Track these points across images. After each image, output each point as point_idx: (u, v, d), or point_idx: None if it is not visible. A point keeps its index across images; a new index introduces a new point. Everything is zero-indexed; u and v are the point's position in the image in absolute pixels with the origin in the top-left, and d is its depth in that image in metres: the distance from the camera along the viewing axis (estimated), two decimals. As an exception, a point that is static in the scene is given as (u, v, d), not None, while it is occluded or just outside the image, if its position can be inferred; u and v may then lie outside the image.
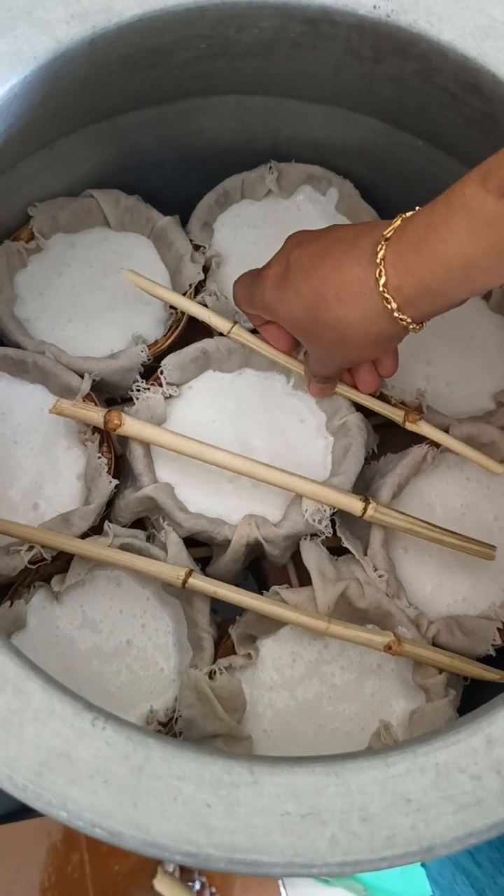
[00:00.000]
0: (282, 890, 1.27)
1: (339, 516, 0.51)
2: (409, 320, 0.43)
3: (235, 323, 0.52)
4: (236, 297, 0.52)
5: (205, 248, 0.58)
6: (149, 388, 0.52)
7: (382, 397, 0.54)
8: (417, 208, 0.42)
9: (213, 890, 1.18)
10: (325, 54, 0.45)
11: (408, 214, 0.42)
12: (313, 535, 0.51)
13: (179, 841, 0.30)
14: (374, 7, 0.40)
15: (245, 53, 0.45)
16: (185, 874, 1.19)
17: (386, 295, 0.42)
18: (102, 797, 0.30)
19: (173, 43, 0.42)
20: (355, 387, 0.52)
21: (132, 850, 0.30)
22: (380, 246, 0.42)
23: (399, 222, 0.42)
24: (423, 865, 0.67)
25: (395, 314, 0.42)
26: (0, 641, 0.32)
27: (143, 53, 0.42)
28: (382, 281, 0.42)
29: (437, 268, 0.40)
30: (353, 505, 0.48)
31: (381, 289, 0.42)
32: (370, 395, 0.52)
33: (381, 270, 0.42)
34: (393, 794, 0.31)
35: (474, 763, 0.32)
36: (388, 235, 0.42)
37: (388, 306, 0.42)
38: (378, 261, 0.42)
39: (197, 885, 1.17)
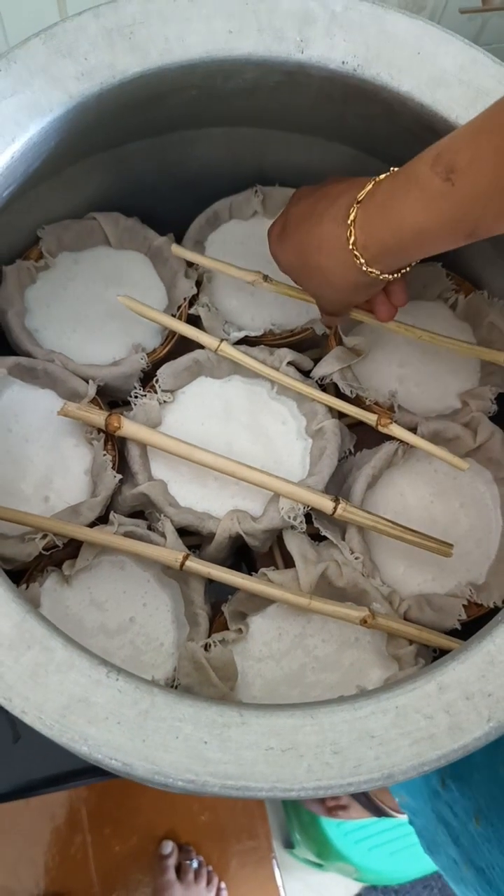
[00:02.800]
0: (276, 873, 1.33)
1: (315, 510, 0.57)
2: (377, 272, 0.49)
3: (223, 340, 0.58)
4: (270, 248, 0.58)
5: (197, 265, 0.64)
6: (146, 395, 0.58)
7: (357, 399, 0.60)
8: (389, 171, 0.48)
9: (210, 868, 1.24)
10: (301, 97, 0.51)
11: (380, 177, 0.48)
12: (292, 527, 0.57)
13: (181, 770, 0.36)
14: (343, 63, 0.46)
15: (231, 96, 0.51)
16: (183, 854, 1.24)
17: (355, 252, 0.49)
18: (116, 734, 0.36)
19: (168, 92, 0.48)
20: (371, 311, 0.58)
21: (142, 779, 0.36)
22: (352, 209, 0.48)
23: (370, 186, 0.48)
24: (411, 823, 0.73)
25: (364, 268, 0.49)
26: (28, 608, 0.38)
27: (142, 101, 0.48)
28: (352, 240, 0.48)
29: (395, 232, 0.46)
30: (325, 504, 0.54)
31: (350, 246, 0.49)
32: (387, 319, 0.57)
33: (351, 230, 0.48)
34: (360, 731, 0.37)
35: (427, 705, 0.38)
36: (361, 199, 0.48)
37: (358, 261, 0.49)
38: (349, 222, 0.48)
39: (195, 864, 1.22)
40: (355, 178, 0.50)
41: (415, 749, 0.37)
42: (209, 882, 1.16)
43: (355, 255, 0.48)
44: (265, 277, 0.59)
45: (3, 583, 0.38)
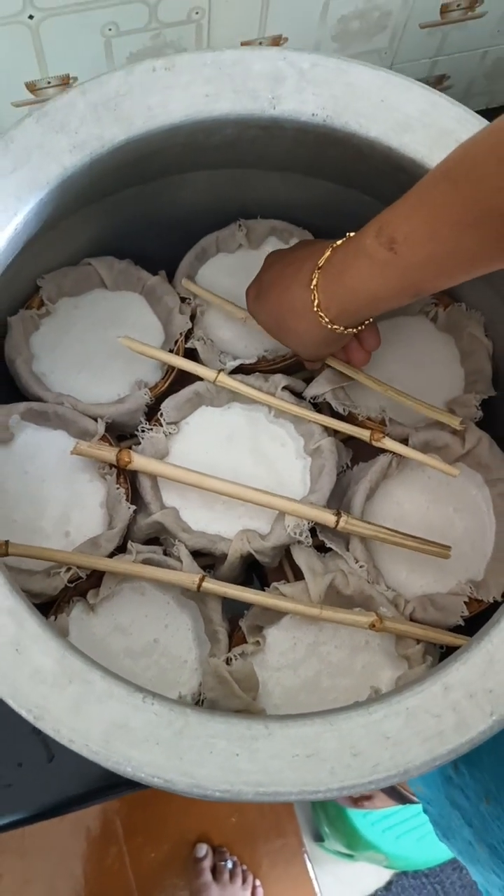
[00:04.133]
0: (308, 867, 1.37)
1: (320, 525, 0.61)
2: (341, 329, 0.55)
3: (220, 371, 0.62)
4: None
5: (190, 299, 0.68)
6: (152, 429, 0.62)
7: (350, 416, 0.64)
8: (345, 237, 0.53)
9: (245, 867, 1.28)
10: (277, 146, 0.55)
11: (337, 243, 0.53)
12: (299, 541, 0.60)
13: (217, 782, 0.39)
14: (313, 115, 0.50)
15: (213, 148, 0.55)
16: (217, 855, 1.28)
17: (320, 313, 0.54)
18: (156, 754, 0.40)
19: (154, 152, 0.52)
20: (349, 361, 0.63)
21: (183, 792, 0.39)
22: (314, 274, 0.54)
23: (329, 252, 0.53)
24: (425, 812, 0.77)
25: (329, 326, 0.54)
26: (65, 644, 0.42)
27: (131, 162, 0.51)
28: (316, 302, 0.54)
29: (350, 296, 0.52)
30: (328, 519, 0.58)
31: (315, 308, 0.54)
32: (361, 364, 0.62)
33: (314, 294, 0.54)
34: (375, 733, 0.41)
35: (435, 705, 0.42)
36: (321, 264, 0.53)
37: (323, 320, 0.54)
38: (312, 287, 0.54)
39: (229, 864, 1.26)
40: (318, 243, 0.55)
41: (426, 746, 0.41)
42: (244, 881, 1.20)
43: (320, 316, 0.54)
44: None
45: (42, 624, 0.42)
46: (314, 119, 0.50)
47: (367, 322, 0.55)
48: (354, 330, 0.55)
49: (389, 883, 1.49)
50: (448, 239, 0.43)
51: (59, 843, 1.26)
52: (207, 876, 1.20)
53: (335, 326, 0.54)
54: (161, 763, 0.39)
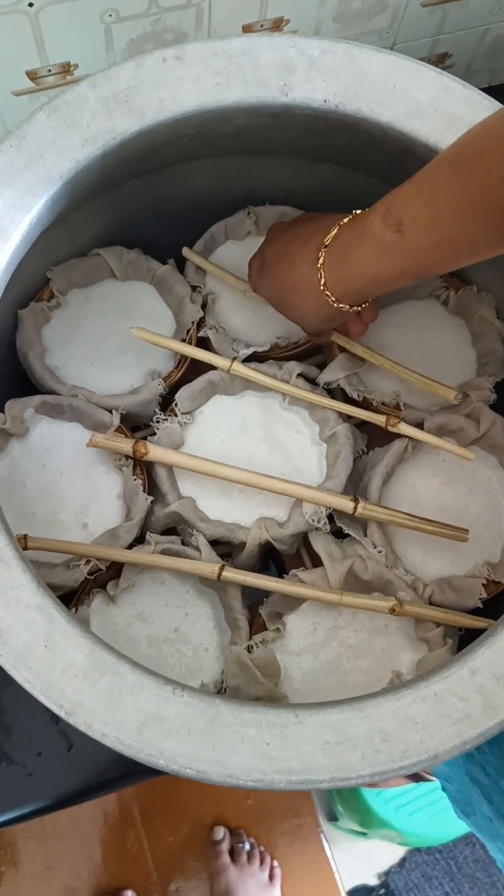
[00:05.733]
0: (325, 846, 1.38)
1: (337, 511, 0.61)
2: (346, 307, 0.55)
3: (234, 359, 0.62)
4: (249, 275, 0.65)
5: (200, 287, 0.68)
6: (167, 419, 0.62)
7: (365, 401, 0.64)
8: (352, 214, 0.53)
9: (262, 848, 1.30)
10: (287, 133, 0.55)
11: (343, 221, 0.53)
12: (317, 528, 0.61)
13: (249, 770, 0.40)
14: (325, 101, 0.50)
15: (222, 137, 0.54)
16: (235, 837, 1.30)
17: (326, 292, 0.54)
18: (188, 744, 0.40)
19: (164, 143, 0.51)
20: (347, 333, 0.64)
21: (216, 782, 0.40)
22: (321, 252, 0.54)
23: (336, 230, 0.53)
24: (444, 789, 0.78)
25: (335, 304, 0.55)
26: (94, 638, 0.42)
27: (141, 153, 0.51)
28: (322, 281, 0.54)
29: (355, 277, 0.52)
30: (345, 505, 0.58)
31: (321, 287, 0.54)
32: (359, 334, 0.63)
33: (321, 273, 0.54)
34: (404, 718, 0.41)
35: (462, 688, 0.42)
36: (327, 243, 0.53)
37: (329, 299, 0.54)
38: (319, 265, 0.54)
39: (247, 846, 1.28)
40: (323, 218, 0.55)
41: (455, 729, 0.41)
42: (262, 862, 1.21)
43: (326, 295, 0.54)
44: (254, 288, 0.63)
45: (70, 619, 0.42)
46: (325, 105, 0.50)
47: (362, 304, 0.56)
48: (359, 308, 0.55)
49: (403, 860, 1.50)
50: (451, 225, 0.44)
51: (78, 828, 1.28)
52: (225, 858, 1.21)
53: (341, 305, 0.54)
54: (194, 753, 0.40)
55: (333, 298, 0.54)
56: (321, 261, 0.53)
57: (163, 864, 1.28)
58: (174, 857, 1.29)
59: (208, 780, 0.40)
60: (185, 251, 0.67)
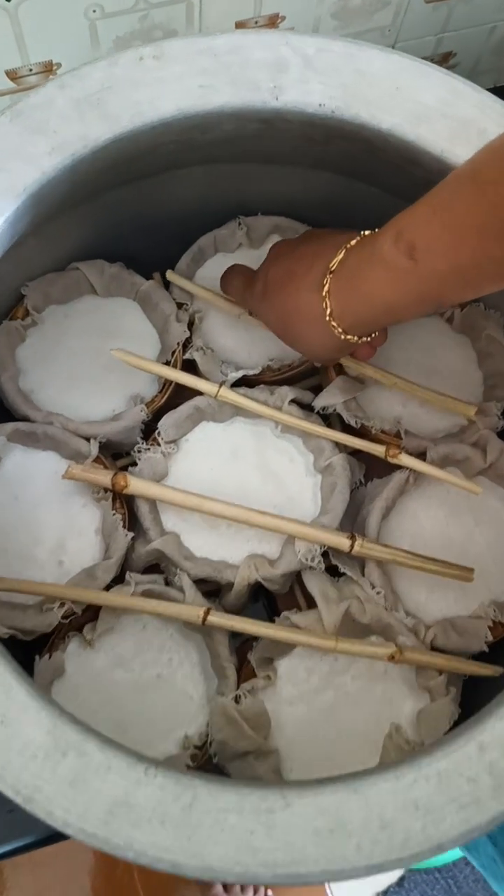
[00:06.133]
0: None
1: (333, 548, 0.57)
2: (355, 338, 0.50)
3: (221, 384, 0.57)
4: (227, 290, 0.60)
5: (187, 305, 0.63)
6: (149, 448, 0.58)
7: (363, 428, 0.60)
8: (359, 236, 0.48)
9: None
10: (280, 140, 0.50)
11: (351, 243, 0.48)
12: (311, 567, 0.56)
13: (230, 864, 0.35)
14: (320, 105, 0.45)
15: (208, 145, 0.50)
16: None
17: (332, 322, 0.49)
18: (161, 835, 0.35)
19: (144, 151, 0.47)
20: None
21: (191, 876, 0.35)
22: (326, 279, 0.49)
23: (342, 255, 0.48)
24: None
25: (342, 336, 0.50)
26: (58, 711, 0.38)
27: (118, 162, 0.47)
28: (328, 311, 0.49)
29: (365, 306, 0.47)
30: (342, 543, 0.54)
31: (327, 317, 0.49)
32: (367, 358, 0.58)
33: (326, 302, 0.49)
34: (404, 801, 0.37)
35: (470, 768, 0.38)
36: (333, 268, 0.48)
37: (336, 330, 0.49)
38: (324, 293, 0.49)
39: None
40: (329, 237, 0.50)
41: (462, 815, 0.37)
42: (255, 892, 1.17)
43: (333, 326, 0.49)
44: (250, 311, 0.59)
45: (29, 689, 0.38)
46: (321, 110, 0.45)
47: (371, 335, 0.51)
48: (369, 338, 0.51)
49: (402, 879, 1.47)
50: (473, 249, 0.39)
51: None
52: (219, 887, 1.17)
53: (349, 336, 0.49)
54: (167, 844, 0.35)
55: (340, 330, 0.49)
56: (326, 287, 0.48)
57: (154, 893, 1.24)
58: (166, 886, 1.24)
59: (183, 873, 0.35)
60: (170, 275, 0.62)
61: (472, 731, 0.39)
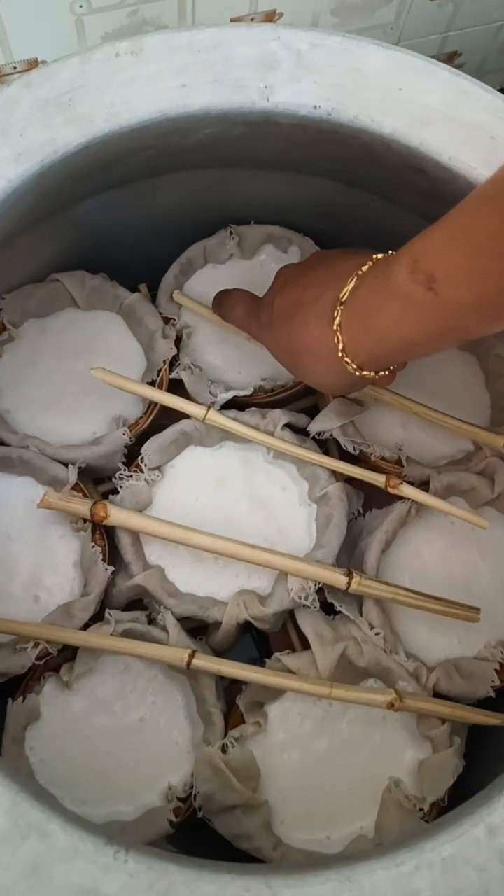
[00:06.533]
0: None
1: (328, 585, 0.52)
2: (371, 374, 0.46)
3: (210, 407, 0.53)
4: (228, 319, 0.56)
5: (174, 319, 0.59)
6: (131, 475, 0.54)
7: (363, 455, 0.56)
8: (371, 261, 0.43)
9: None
10: (266, 145, 0.46)
11: (363, 269, 0.44)
12: (304, 605, 0.52)
13: None
14: (315, 107, 0.41)
15: (191, 149, 0.46)
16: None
17: (345, 359, 0.45)
18: (131, 931, 0.31)
19: (117, 158, 0.43)
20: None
21: None
22: (336, 311, 0.44)
23: (353, 283, 0.44)
24: None
25: (357, 373, 0.45)
26: (18, 786, 0.34)
27: (91, 170, 0.43)
28: (341, 346, 0.44)
29: (380, 343, 0.43)
30: (338, 580, 0.50)
31: (340, 353, 0.45)
32: (385, 384, 0.53)
33: (338, 336, 0.44)
34: (404, 892, 0.33)
35: (478, 854, 0.33)
36: (344, 299, 0.44)
37: (349, 367, 0.45)
38: (335, 327, 0.44)
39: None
40: (339, 262, 0.45)
41: (470, 909, 0.32)
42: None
43: (346, 362, 0.45)
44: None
45: (-14, 762, 0.34)
46: (315, 113, 0.41)
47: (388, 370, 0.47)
48: (386, 373, 0.46)
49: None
50: (498, 278, 0.34)
51: None
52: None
53: (364, 373, 0.45)
54: (138, 943, 0.31)
55: (354, 366, 0.45)
56: (337, 321, 0.43)
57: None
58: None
59: None
60: (178, 296, 0.58)
61: (480, 811, 0.35)
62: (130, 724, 0.52)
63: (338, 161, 0.47)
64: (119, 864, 0.33)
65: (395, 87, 0.41)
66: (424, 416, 0.56)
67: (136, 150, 0.43)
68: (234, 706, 0.53)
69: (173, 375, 0.57)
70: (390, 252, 0.42)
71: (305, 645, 0.54)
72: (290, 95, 0.41)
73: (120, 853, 0.33)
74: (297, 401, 0.60)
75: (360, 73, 0.41)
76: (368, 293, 0.42)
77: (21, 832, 0.33)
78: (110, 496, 0.54)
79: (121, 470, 0.54)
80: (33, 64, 0.77)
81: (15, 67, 0.77)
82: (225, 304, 0.56)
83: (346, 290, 0.44)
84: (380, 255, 0.43)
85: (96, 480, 0.59)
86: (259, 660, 0.61)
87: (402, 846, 0.34)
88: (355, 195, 0.55)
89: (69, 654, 0.52)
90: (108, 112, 0.39)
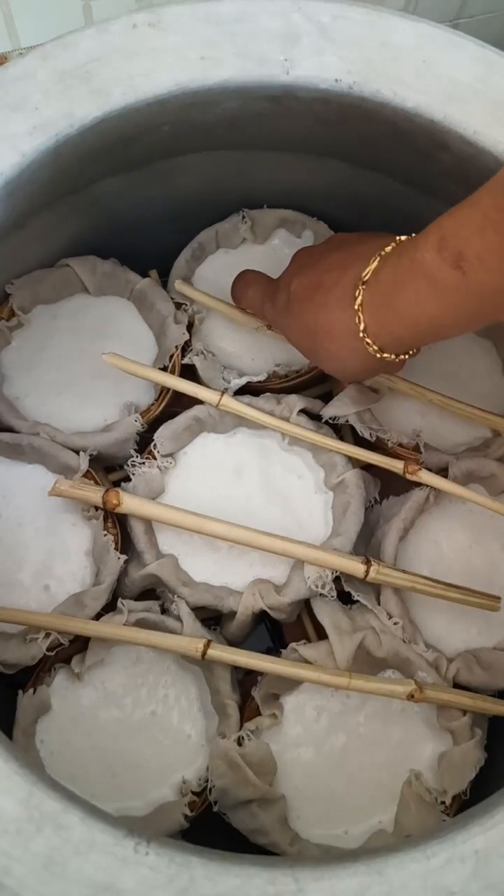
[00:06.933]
0: None
1: (345, 574, 0.51)
2: (393, 357, 0.45)
3: (223, 392, 0.52)
4: (242, 301, 0.54)
5: (186, 305, 0.58)
6: (143, 463, 0.52)
7: (379, 441, 0.55)
8: (395, 241, 0.42)
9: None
10: (290, 122, 0.45)
11: (386, 250, 0.43)
12: (321, 594, 0.51)
13: None
14: (336, 80, 0.40)
15: (209, 126, 0.45)
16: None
17: (367, 340, 0.44)
18: (152, 927, 0.30)
19: (137, 132, 0.41)
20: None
21: None
22: (358, 291, 0.43)
23: (376, 263, 0.43)
24: None
25: (378, 355, 0.44)
26: (36, 776, 0.33)
27: (107, 146, 0.41)
28: (362, 327, 0.43)
29: (406, 323, 0.42)
30: (356, 568, 0.49)
31: (361, 333, 0.43)
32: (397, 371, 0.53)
33: (359, 317, 0.43)
34: (435, 888, 0.32)
35: (512, 846, 0.32)
36: (366, 279, 0.43)
37: (371, 348, 0.44)
38: (357, 307, 0.43)
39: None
40: (359, 244, 0.44)
41: (504, 903, 0.31)
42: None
43: (367, 343, 0.43)
44: (269, 325, 0.54)
45: (2, 751, 0.32)
46: (338, 86, 0.40)
47: (410, 353, 0.45)
48: (407, 356, 0.45)
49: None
50: None
51: None
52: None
53: (385, 355, 0.44)
54: (159, 940, 0.30)
55: (375, 347, 0.43)
56: (359, 300, 0.42)
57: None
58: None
59: None
60: (179, 284, 0.57)
61: (513, 800, 0.34)
62: (142, 717, 0.51)
63: (358, 139, 0.46)
64: (139, 857, 0.32)
65: (420, 60, 0.40)
66: (441, 404, 0.55)
67: (155, 125, 0.41)
68: (248, 698, 0.51)
69: (185, 361, 0.56)
70: (413, 235, 0.41)
71: (320, 635, 0.54)
72: (312, 69, 0.40)
73: (140, 845, 0.32)
74: (311, 387, 0.59)
75: (384, 45, 0.40)
76: (393, 272, 0.41)
77: (36, 823, 0.31)
78: (122, 484, 0.53)
79: (132, 457, 0.53)
80: (41, 50, 0.76)
81: (21, 54, 0.76)
82: (239, 287, 0.55)
83: (368, 269, 0.42)
84: (402, 238, 0.42)
85: (106, 469, 0.58)
86: (272, 650, 0.60)
87: (432, 839, 0.33)
88: (374, 179, 0.54)
89: (80, 644, 0.51)
90: (126, 84, 0.38)
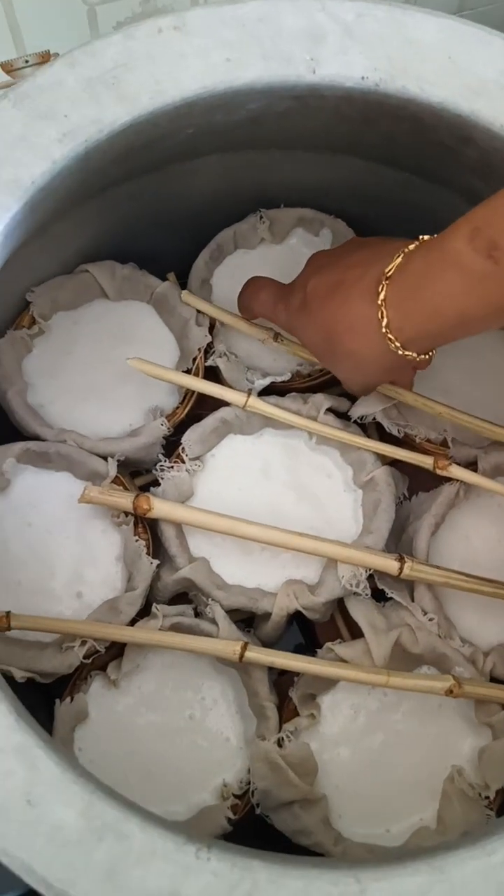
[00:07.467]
0: None
1: (378, 571, 0.51)
2: (414, 355, 0.44)
3: (249, 393, 0.52)
4: (253, 305, 0.53)
5: (207, 306, 0.58)
6: (172, 466, 0.52)
7: (407, 438, 0.54)
8: (418, 240, 0.42)
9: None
10: (310, 120, 0.45)
11: (409, 247, 0.42)
12: (355, 593, 0.51)
13: None
14: (363, 78, 0.40)
15: (232, 127, 0.45)
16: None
17: (389, 335, 0.43)
18: (218, 934, 0.30)
19: (163, 135, 0.41)
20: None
21: None
22: (381, 285, 0.43)
23: (400, 259, 0.42)
24: None
25: (400, 351, 0.44)
26: (93, 785, 0.32)
27: (134, 149, 0.41)
28: (385, 322, 0.43)
29: (433, 316, 0.41)
30: (389, 565, 0.49)
31: (383, 329, 0.43)
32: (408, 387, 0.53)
33: (382, 311, 0.43)
34: (498, 883, 0.32)
35: None
36: (389, 274, 0.42)
37: (393, 345, 0.43)
38: (380, 301, 0.43)
39: None
40: (379, 245, 0.44)
41: None
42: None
43: (389, 339, 0.43)
44: (276, 336, 0.54)
45: (60, 760, 0.32)
46: (363, 84, 0.40)
47: (431, 352, 0.45)
48: (427, 356, 0.44)
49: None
50: None
51: None
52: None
53: (407, 352, 0.43)
54: None
55: (398, 343, 0.43)
56: (382, 295, 0.42)
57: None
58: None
59: None
60: (186, 295, 0.56)
61: None
62: (180, 721, 0.51)
63: (383, 137, 0.46)
64: (201, 863, 0.32)
65: (446, 57, 0.40)
66: (450, 417, 0.54)
67: (180, 128, 0.41)
68: (285, 699, 0.51)
69: (209, 363, 0.56)
70: (437, 234, 0.41)
71: (353, 633, 0.54)
72: (337, 68, 0.40)
73: (202, 851, 0.32)
74: (335, 384, 0.59)
75: (410, 42, 0.40)
76: (420, 265, 0.40)
77: (97, 833, 0.31)
78: (151, 489, 0.53)
79: (158, 461, 0.53)
80: (45, 57, 0.76)
81: (27, 61, 0.76)
82: (249, 291, 0.54)
83: (392, 265, 0.42)
84: (426, 237, 0.42)
85: (132, 473, 0.58)
86: (302, 647, 0.60)
87: (491, 835, 0.33)
88: (394, 176, 0.54)
89: (116, 651, 0.51)
90: (154, 89, 0.38)
